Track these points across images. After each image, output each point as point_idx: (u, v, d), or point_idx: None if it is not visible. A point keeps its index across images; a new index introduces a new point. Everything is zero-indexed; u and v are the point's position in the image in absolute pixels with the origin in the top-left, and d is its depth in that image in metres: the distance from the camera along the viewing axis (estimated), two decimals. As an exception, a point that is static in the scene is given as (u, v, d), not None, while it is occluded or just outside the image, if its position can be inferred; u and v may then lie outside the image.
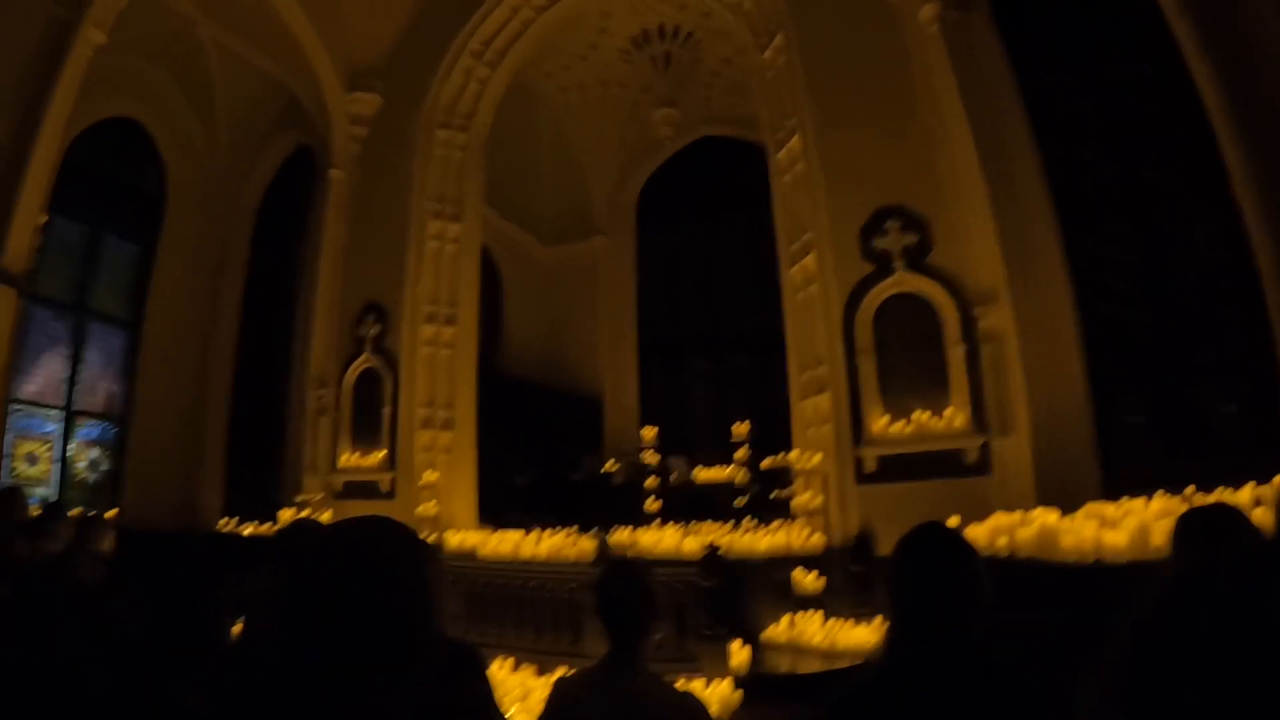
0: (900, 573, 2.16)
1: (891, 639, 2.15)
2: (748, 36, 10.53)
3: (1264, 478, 4.81)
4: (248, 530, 10.84)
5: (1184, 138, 7.10)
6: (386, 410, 11.20)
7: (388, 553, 1.33)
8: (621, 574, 2.96)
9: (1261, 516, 3.67)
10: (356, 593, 1.26)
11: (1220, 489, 5.09)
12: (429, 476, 10.67)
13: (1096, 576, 4.68)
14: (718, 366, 15.48)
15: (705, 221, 16.14)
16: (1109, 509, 5.36)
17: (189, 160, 13.61)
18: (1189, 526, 2.86)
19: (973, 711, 1.91)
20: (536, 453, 13.80)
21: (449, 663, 2.76)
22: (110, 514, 9.42)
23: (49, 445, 11.78)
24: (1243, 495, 4.83)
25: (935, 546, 2.19)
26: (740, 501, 10.51)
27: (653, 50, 14.01)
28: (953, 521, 6.25)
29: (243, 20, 12.03)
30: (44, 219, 9.10)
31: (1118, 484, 6.25)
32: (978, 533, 5.95)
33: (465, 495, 11.21)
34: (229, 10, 11.97)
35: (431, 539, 9.52)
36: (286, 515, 10.15)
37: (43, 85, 8.80)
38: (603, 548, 8.60)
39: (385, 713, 1.24)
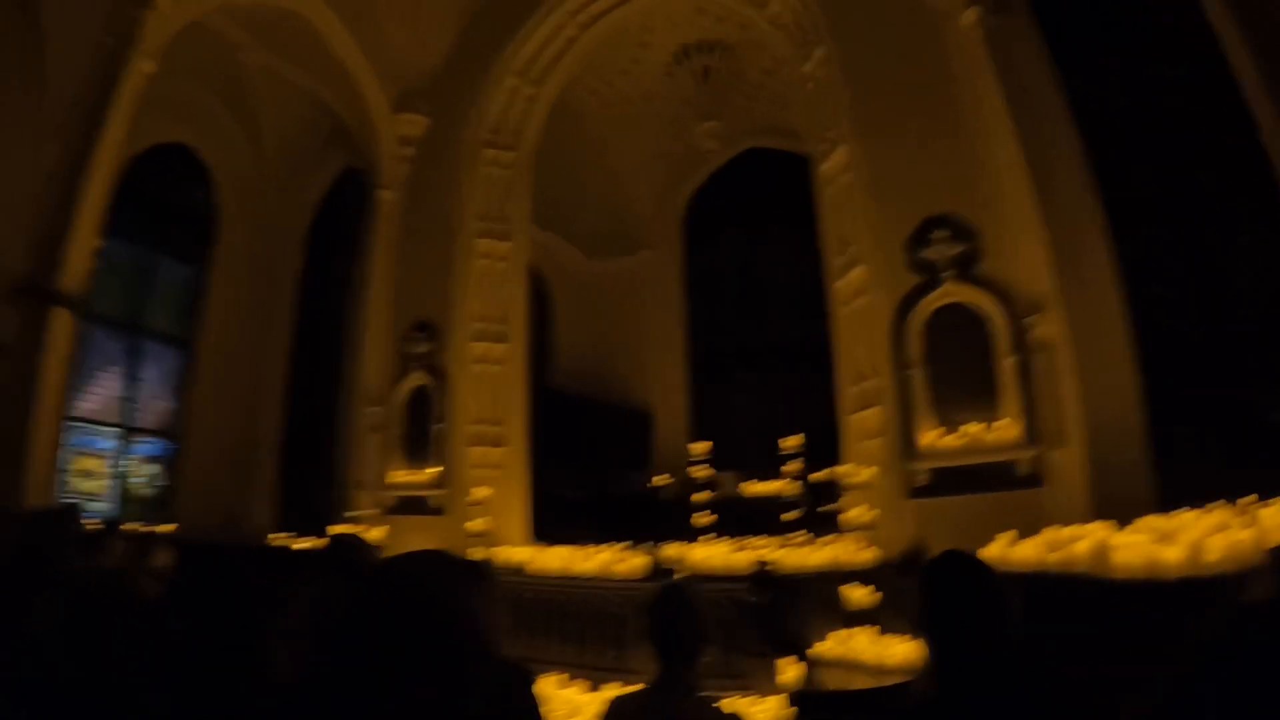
0: (924, 603, 2.19)
1: (925, 668, 2.16)
2: (788, 49, 10.51)
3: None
4: (298, 545, 10.97)
5: (1233, 138, 6.91)
6: (437, 427, 11.31)
7: (443, 587, 1.37)
8: (673, 599, 2.96)
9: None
10: (412, 626, 1.29)
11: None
12: (480, 492, 10.73)
13: (1149, 593, 4.58)
14: (767, 379, 15.36)
15: (753, 233, 16.02)
16: (1163, 522, 5.23)
17: (239, 183, 13.94)
18: None
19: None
20: (587, 468, 13.81)
21: (499, 682, 2.77)
22: (165, 529, 9.63)
23: (105, 461, 12.07)
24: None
25: (955, 575, 2.20)
26: (790, 516, 10.42)
27: (693, 64, 14.02)
28: (1004, 537, 6.17)
29: (290, 45, 12.31)
30: (99, 243, 9.32)
31: (1173, 494, 6.09)
32: (1029, 548, 5.85)
33: (516, 511, 11.24)
34: (276, 36, 12.24)
35: (482, 555, 9.58)
36: (336, 530, 10.26)
37: (95, 112, 9.07)
38: (653, 563, 8.59)
39: None
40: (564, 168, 15.45)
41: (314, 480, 12.70)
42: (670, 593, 3.01)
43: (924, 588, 2.23)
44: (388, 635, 1.28)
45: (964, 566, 2.25)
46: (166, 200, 13.44)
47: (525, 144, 12.49)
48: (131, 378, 12.68)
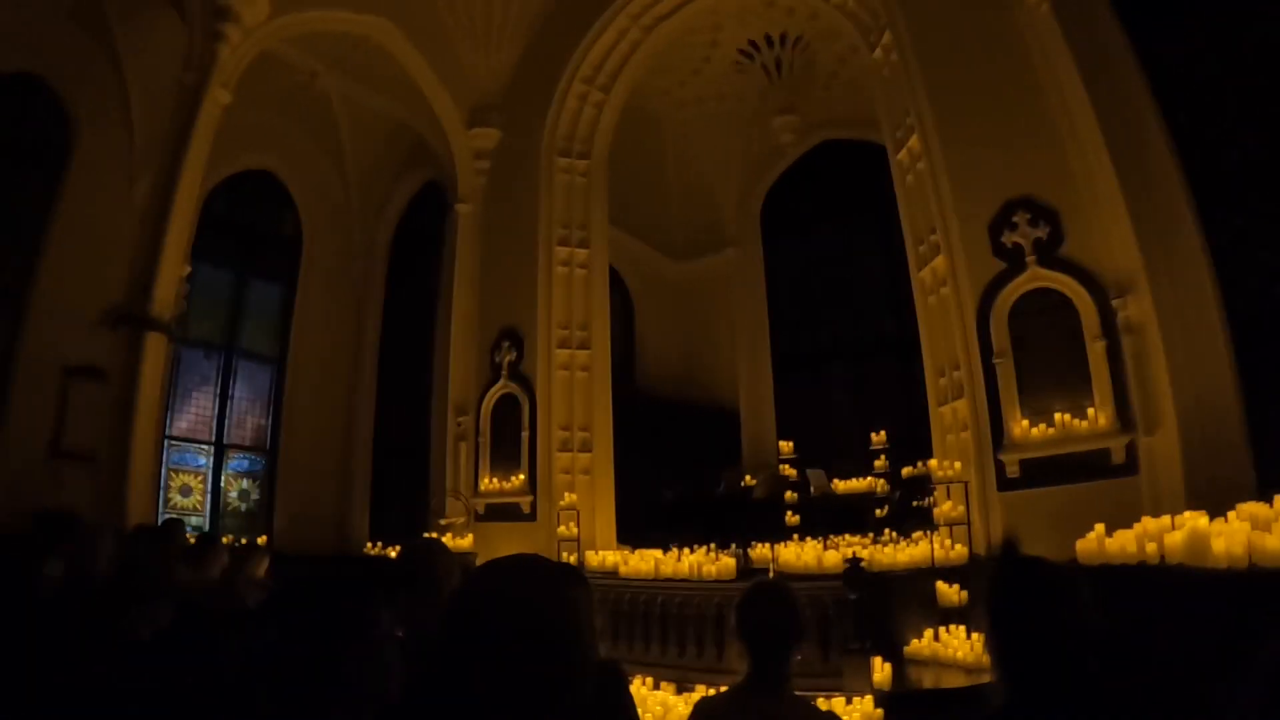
0: (990, 610, 2.13)
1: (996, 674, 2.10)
2: (857, 36, 10.37)
3: None
4: (393, 553, 11.21)
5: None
6: (525, 434, 11.45)
7: (545, 591, 1.40)
8: (766, 596, 2.96)
9: None
10: (514, 636, 1.32)
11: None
12: (568, 498, 10.83)
13: (1250, 582, 4.40)
14: (855, 373, 15.10)
15: (834, 225, 15.72)
16: (1262, 509, 5.01)
17: (323, 203, 14.38)
18: None
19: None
20: (676, 469, 13.82)
21: (596, 683, 2.80)
22: (261, 540, 9.97)
23: (201, 478, 12.54)
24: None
25: (1026, 588, 2.13)
26: (881, 512, 10.28)
27: (764, 58, 13.92)
28: (1098, 529, 5.99)
29: (363, 69, 12.69)
30: (187, 269, 9.69)
31: (1273, 478, 5.83)
32: (1125, 538, 5.66)
33: (605, 515, 11.31)
34: (349, 61, 12.62)
35: (572, 559, 9.68)
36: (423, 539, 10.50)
37: (178, 145, 9.41)
38: (743, 564, 8.57)
39: None
40: (644, 171, 15.52)
41: (406, 489, 12.99)
42: (761, 591, 3.02)
43: (989, 594, 2.17)
44: (488, 644, 1.31)
45: (1027, 572, 2.19)
46: (254, 225, 13.95)
47: (597, 150, 12.56)
48: (225, 396, 13.15)
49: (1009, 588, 2.15)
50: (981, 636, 6.47)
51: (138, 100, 9.66)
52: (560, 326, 11.81)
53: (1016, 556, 2.26)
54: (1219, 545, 4.70)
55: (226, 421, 13.13)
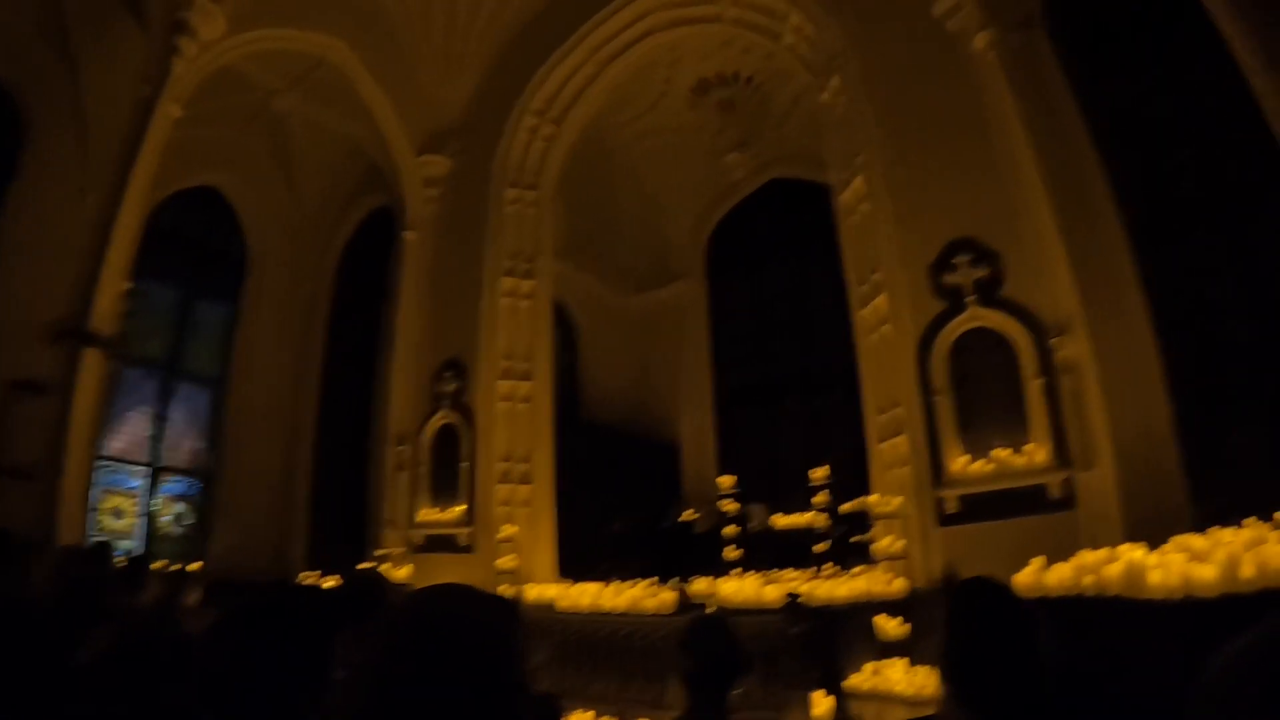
0: (951, 633, 2.12)
1: (947, 701, 2.10)
2: (809, 78, 10.56)
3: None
4: (327, 583, 10.98)
5: (1263, 135, 6.66)
6: (465, 464, 11.32)
7: (478, 621, 1.37)
8: (706, 631, 2.93)
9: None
10: (443, 663, 1.29)
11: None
12: (508, 530, 10.72)
13: (1186, 612, 4.47)
14: (798, 409, 15.23)
15: (783, 262, 15.91)
16: (1198, 541, 5.10)
17: (273, 224, 14.21)
18: None
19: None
20: (620, 503, 13.73)
21: (532, 716, 2.74)
22: (193, 567, 9.69)
23: (134, 500, 12.19)
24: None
25: (981, 604, 2.13)
26: (821, 547, 10.30)
27: (718, 95, 14.09)
28: (1036, 562, 6.05)
29: (320, 90, 12.59)
30: (129, 285, 9.49)
31: (1209, 511, 5.94)
32: (1063, 572, 5.72)
33: (545, 548, 11.23)
34: (307, 81, 12.52)
35: (510, 593, 9.55)
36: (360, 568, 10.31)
37: (127, 158, 9.33)
38: (682, 598, 8.52)
39: None
40: (594, 204, 15.57)
41: (345, 518, 12.76)
42: (701, 626, 3.00)
43: (950, 617, 2.16)
44: (423, 673, 1.27)
45: (991, 595, 2.18)
46: (203, 242, 13.73)
47: (546, 182, 12.60)
48: (161, 417, 12.84)
49: (974, 607, 2.14)
50: (923, 669, 6.50)
51: (94, 111, 9.45)
52: (504, 357, 11.75)
53: (978, 579, 2.25)
54: (1155, 577, 4.77)
55: (162, 443, 12.81)
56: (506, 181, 12.35)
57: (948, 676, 2.11)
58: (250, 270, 14.13)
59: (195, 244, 13.57)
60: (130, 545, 11.74)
